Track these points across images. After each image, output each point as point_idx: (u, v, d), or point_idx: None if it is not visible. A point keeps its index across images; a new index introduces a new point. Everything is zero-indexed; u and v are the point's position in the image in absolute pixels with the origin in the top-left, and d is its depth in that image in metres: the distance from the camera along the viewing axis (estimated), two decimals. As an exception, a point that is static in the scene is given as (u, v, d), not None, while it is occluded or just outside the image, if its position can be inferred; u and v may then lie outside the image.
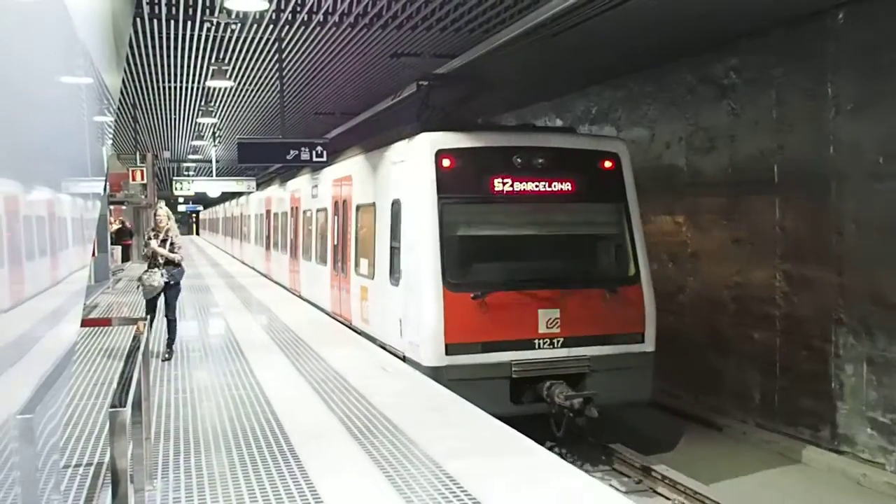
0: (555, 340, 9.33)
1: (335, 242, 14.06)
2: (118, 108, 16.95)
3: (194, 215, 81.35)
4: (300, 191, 18.57)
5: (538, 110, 17.23)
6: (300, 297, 17.27)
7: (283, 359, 9.90)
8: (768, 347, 11.11)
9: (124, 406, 3.57)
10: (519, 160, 9.72)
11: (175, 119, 19.43)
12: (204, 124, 20.17)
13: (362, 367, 9.26)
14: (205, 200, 56.99)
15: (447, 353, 9.05)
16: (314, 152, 12.40)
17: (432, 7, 9.85)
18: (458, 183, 9.57)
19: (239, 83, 14.64)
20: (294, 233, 18.94)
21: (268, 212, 24.70)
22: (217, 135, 21.73)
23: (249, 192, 25.50)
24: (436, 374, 8.89)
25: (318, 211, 16.03)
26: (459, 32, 10.98)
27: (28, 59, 2.34)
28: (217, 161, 26.41)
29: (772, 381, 11.10)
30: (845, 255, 9.88)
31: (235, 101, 16.79)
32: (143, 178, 22.06)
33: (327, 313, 14.16)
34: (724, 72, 11.84)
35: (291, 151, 12.28)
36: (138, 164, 22.28)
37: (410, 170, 9.91)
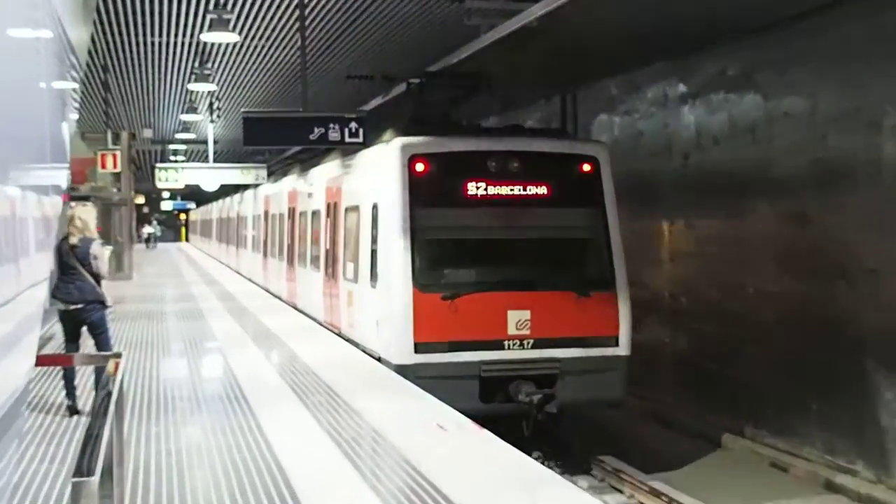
0: (524, 342, 12.55)
1: (327, 247, 17.26)
2: (85, 72, 17.43)
3: (183, 215, 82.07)
4: (297, 190, 21.35)
5: (654, 73, 17.18)
6: (296, 308, 20.04)
7: (301, 411, 10.02)
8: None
9: (91, 474, 3.58)
10: (494, 164, 12.97)
11: (160, 86, 19.61)
12: (198, 93, 20.22)
13: (410, 424, 9.37)
14: (198, 195, 57.57)
15: (416, 352, 12.33)
16: (347, 130, 13.08)
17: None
18: (432, 187, 12.87)
19: (245, 37, 14.80)
20: (290, 237, 22.01)
21: (266, 213, 26.59)
22: (216, 107, 21.86)
23: (258, 185, 26.03)
24: (404, 371, 12.03)
25: (312, 213, 19.07)
26: (545, -35, 10.92)
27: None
28: (215, 142, 26.65)
29: None
30: None
31: (241, 62, 17.05)
32: (115, 166, 22.20)
33: (320, 323, 17.26)
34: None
35: (316, 129, 12.89)
36: (110, 147, 22.34)
37: (385, 174, 13.12)
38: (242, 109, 20.61)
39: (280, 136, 13.84)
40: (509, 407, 12.34)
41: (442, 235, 13.14)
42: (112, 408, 4.85)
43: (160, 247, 63.63)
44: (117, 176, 23.56)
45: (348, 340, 14.81)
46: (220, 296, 24.53)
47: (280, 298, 22.84)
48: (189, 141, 29.60)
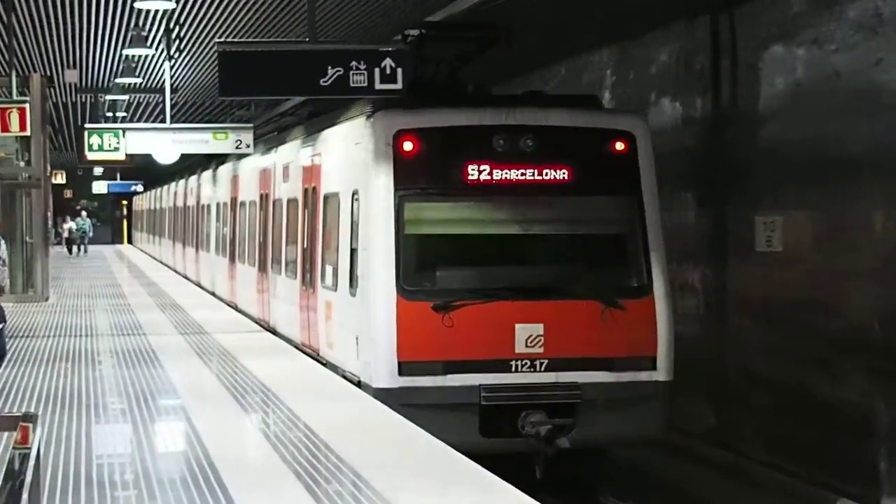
0: (536, 362, 14.41)
1: (304, 246, 19.72)
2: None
3: (124, 203, 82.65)
4: (272, 170, 23.84)
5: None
6: (273, 331, 22.45)
7: (306, 504, 10.07)
8: None
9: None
10: (501, 142, 14.91)
11: (91, 3, 19.96)
12: (149, 13, 20.75)
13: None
14: (149, 172, 57.67)
15: (401, 373, 14.31)
16: (377, 72, 13.77)
17: None
18: (423, 171, 14.88)
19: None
20: (263, 233, 24.49)
21: (234, 200, 29.25)
22: (176, 36, 22.43)
23: (242, 154, 26.64)
24: (386, 397, 13.82)
25: (288, 202, 21.54)
26: None
27: None
28: (175, 91, 27.34)
29: None
30: None
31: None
32: (22, 126, 22.47)
33: (297, 346, 19.81)
34: None
35: (330, 70, 13.58)
36: (15, 98, 22.87)
37: (367, 154, 15.13)
38: (217, 40, 21.28)
39: (274, 82, 14.16)
40: (517, 443, 14.23)
41: (435, 231, 15.57)
42: (25, 496, 5.18)
43: (92, 250, 64.81)
44: (26, 142, 23.64)
45: (326, 365, 17.06)
46: (181, 326, 24.95)
47: (250, 316, 25.15)
48: (135, 89, 30.56)
